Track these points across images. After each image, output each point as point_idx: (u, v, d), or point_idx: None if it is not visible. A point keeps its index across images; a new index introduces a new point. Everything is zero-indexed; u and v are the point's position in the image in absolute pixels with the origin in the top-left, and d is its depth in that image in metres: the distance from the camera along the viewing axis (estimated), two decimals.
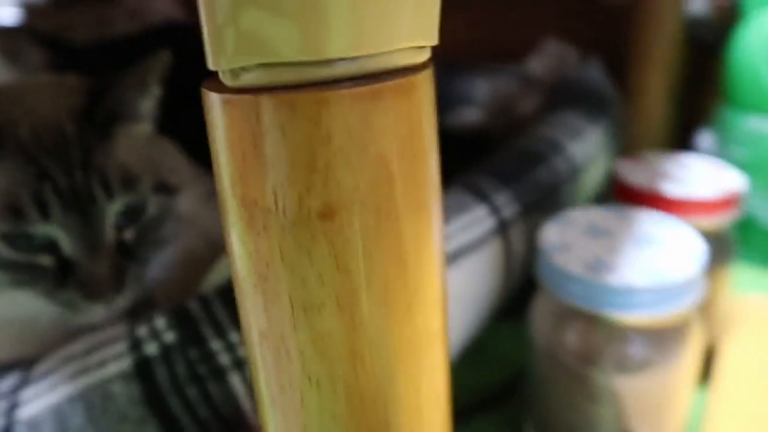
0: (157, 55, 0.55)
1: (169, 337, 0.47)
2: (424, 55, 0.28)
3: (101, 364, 0.46)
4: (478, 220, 0.64)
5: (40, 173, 0.49)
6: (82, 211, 0.50)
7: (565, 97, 0.96)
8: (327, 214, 0.24)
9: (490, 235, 0.64)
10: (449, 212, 0.63)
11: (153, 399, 0.43)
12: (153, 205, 0.56)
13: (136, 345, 0.45)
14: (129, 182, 0.53)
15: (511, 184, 0.69)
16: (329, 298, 0.24)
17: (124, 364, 0.45)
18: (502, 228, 0.65)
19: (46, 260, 0.51)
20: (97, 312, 0.53)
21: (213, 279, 0.57)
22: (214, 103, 0.25)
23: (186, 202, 0.62)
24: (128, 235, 0.55)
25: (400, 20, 0.24)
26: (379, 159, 0.25)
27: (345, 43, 0.23)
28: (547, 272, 0.50)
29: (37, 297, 0.52)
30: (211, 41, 0.24)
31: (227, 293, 0.50)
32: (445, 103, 1.30)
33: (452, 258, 0.59)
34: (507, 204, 0.66)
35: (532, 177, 0.72)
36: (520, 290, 0.74)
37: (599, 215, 0.59)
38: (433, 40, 0.26)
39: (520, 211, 0.68)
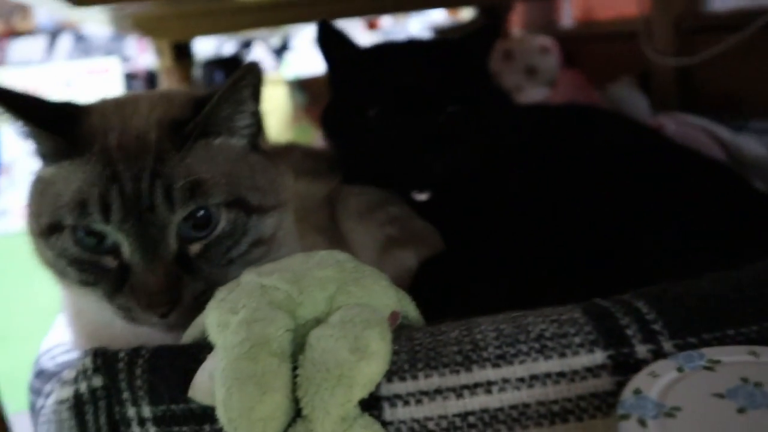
0: (250, 71, 0.53)
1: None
2: None
3: None
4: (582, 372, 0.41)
5: (112, 176, 0.51)
6: (141, 216, 0.51)
7: None
8: None
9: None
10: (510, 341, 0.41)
11: None
12: (224, 220, 0.54)
13: None
14: (196, 193, 0.52)
15: (689, 332, 0.42)
16: None
17: None
18: None
19: (110, 262, 0.53)
20: (150, 322, 0.52)
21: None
22: None
23: (274, 225, 0.58)
24: (195, 249, 0.53)
25: None
26: None
27: None
28: None
29: (100, 299, 0.54)
30: None
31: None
32: None
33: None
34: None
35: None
36: None
37: None
38: None
39: None
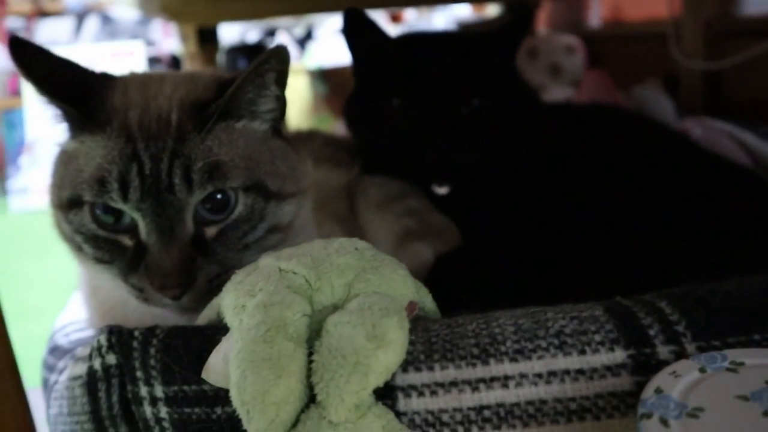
0: (276, 55, 0.53)
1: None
2: None
3: None
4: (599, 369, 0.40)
5: (132, 154, 0.51)
6: (159, 197, 0.51)
7: None
8: None
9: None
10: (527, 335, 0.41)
11: None
12: (242, 204, 0.53)
13: None
14: (214, 176, 0.52)
15: (713, 335, 0.41)
16: None
17: None
18: None
19: (126, 241, 0.53)
20: (163, 303, 0.52)
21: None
22: None
23: (292, 212, 0.57)
24: (211, 231, 0.53)
25: None
26: None
27: None
28: None
29: (114, 277, 0.54)
30: None
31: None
32: None
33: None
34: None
35: None
36: None
37: None
38: None
39: None
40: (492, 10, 1.77)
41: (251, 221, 0.54)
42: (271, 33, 3.28)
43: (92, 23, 3.65)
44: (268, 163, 0.56)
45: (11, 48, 0.52)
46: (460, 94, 0.78)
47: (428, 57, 0.81)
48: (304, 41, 3.40)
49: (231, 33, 3.17)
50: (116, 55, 3.03)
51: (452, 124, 0.77)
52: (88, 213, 0.52)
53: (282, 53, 0.53)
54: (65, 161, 0.54)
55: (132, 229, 0.52)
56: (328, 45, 3.21)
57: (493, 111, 0.80)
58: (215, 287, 0.51)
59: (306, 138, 0.94)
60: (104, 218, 0.52)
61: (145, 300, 0.53)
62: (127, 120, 0.52)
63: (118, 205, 0.50)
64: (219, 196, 0.52)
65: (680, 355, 0.41)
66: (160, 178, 0.50)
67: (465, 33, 0.90)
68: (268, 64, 0.53)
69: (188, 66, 1.44)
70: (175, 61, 3.24)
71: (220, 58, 1.52)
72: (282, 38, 3.30)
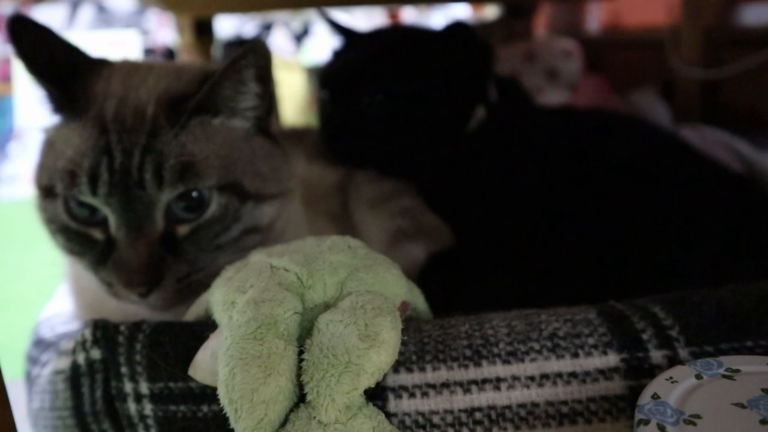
0: (254, 50, 0.51)
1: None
2: None
3: None
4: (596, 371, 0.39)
5: (105, 147, 0.50)
6: (129, 192, 0.49)
7: None
8: None
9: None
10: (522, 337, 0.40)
11: None
12: (215, 204, 0.52)
13: None
14: (186, 174, 0.50)
15: (706, 340, 0.41)
16: None
17: None
18: None
19: (98, 235, 0.52)
20: (131, 299, 0.51)
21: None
22: None
23: (272, 214, 0.56)
24: (182, 230, 0.52)
25: None
26: None
27: None
28: None
29: (86, 269, 0.53)
30: None
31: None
32: None
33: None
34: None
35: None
36: None
37: None
38: None
39: None
40: (490, 12, 1.76)
41: (225, 222, 0.52)
42: (267, 27, 3.26)
43: (87, 11, 3.61)
44: (248, 163, 0.54)
45: (12, 24, 0.50)
46: (363, 88, 0.80)
47: (346, 51, 0.86)
48: (301, 37, 3.38)
49: (227, 26, 3.16)
50: (111, 44, 3.01)
51: (351, 117, 0.80)
52: (61, 205, 0.51)
53: (260, 49, 0.52)
54: (47, 147, 0.53)
55: (104, 223, 0.51)
56: (325, 41, 3.19)
57: (401, 108, 0.80)
58: (185, 287, 0.50)
59: (300, 135, 0.93)
60: (78, 211, 0.51)
61: (114, 295, 0.52)
62: (104, 110, 0.51)
63: (87, 199, 0.49)
64: (195, 194, 0.51)
65: (673, 359, 0.40)
66: (131, 173, 0.49)
67: (409, 31, 0.89)
68: (245, 60, 0.51)
69: (183, 58, 1.43)
70: (169, 53, 3.22)
71: (218, 52, 1.51)
72: (279, 33, 3.29)
